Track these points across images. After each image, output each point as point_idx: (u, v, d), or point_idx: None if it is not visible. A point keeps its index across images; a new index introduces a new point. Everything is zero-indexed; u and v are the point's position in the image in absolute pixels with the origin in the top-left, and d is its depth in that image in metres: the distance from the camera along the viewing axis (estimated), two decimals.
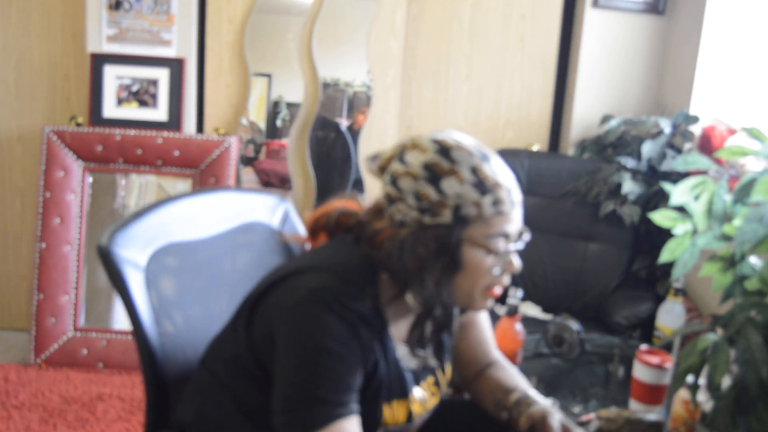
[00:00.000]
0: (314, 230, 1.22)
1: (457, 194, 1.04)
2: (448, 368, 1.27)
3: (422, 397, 1.19)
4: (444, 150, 1.06)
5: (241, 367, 1.12)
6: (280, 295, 1.08)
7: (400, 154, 1.08)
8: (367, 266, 1.09)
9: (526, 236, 1.11)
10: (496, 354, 1.35)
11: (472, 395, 1.34)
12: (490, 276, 1.09)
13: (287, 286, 1.08)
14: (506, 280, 1.11)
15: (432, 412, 1.23)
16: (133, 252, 1.22)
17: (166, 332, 1.26)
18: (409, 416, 1.15)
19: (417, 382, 1.18)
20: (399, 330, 1.16)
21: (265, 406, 1.06)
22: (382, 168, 1.10)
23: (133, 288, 1.20)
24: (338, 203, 1.22)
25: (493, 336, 1.37)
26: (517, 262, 1.11)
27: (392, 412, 1.12)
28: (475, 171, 1.05)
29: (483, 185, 1.04)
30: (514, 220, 1.08)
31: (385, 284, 1.10)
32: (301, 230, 1.51)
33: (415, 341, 1.15)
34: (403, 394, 1.14)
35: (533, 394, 1.23)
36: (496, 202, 1.05)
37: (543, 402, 1.21)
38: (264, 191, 1.80)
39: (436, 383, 1.23)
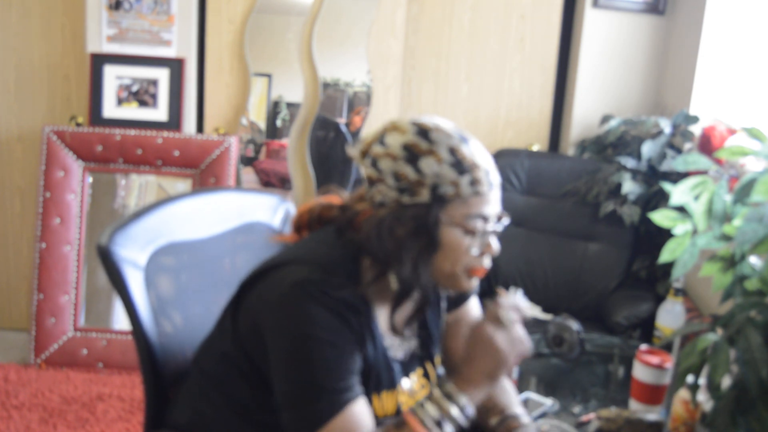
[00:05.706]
0: (298, 227, 1.22)
1: (435, 173, 1.05)
2: (438, 360, 1.26)
3: (411, 388, 1.18)
4: (423, 131, 1.07)
5: (229, 362, 1.12)
6: (262, 289, 1.08)
7: (380, 136, 1.09)
8: (349, 255, 1.09)
9: (506, 220, 1.11)
10: None
11: None
12: (469, 256, 1.09)
13: (269, 279, 1.08)
14: (487, 262, 1.12)
15: None
16: (133, 251, 1.22)
17: (165, 332, 1.26)
18: (398, 408, 1.15)
19: (406, 373, 1.18)
20: (385, 319, 1.16)
21: (255, 400, 1.06)
22: (364, 152, 1.11)
23: (133, 287, 1.20)
24: (321, 199, 1.22)
25: None
26: (495, 245, 1.11)
27: (381, 404, 1.12)
28: (453, 151, 1.06)
29: (461, 165, 1.05)
30: (492, 201, 1.09)
31: (367, 272, 1.09)
32: None
33: (395, 323, 1.14)
34: (392, 384, 1.13)
35: (516, 412, 1.21)
36: (474, 183, 1.06)
37: (526, 424, 1.18)
38: (264, 191, 1.80)
39: (426, 375, 1.22)
